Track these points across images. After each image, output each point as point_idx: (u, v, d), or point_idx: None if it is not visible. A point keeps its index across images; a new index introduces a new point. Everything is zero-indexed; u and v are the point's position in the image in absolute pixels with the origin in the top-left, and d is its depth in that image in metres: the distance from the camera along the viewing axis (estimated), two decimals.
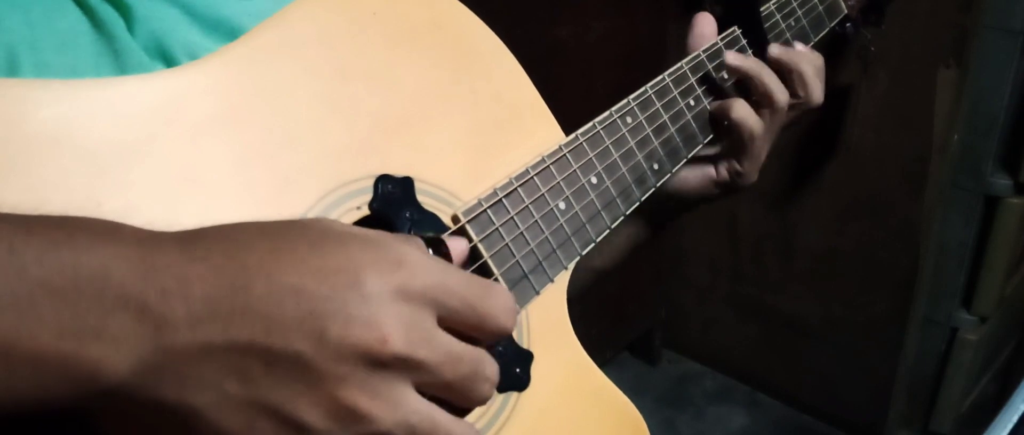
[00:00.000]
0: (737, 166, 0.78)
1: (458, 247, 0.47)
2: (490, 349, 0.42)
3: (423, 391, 0.40)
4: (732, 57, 0.76)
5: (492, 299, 0.42)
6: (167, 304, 0.36)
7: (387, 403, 0.38)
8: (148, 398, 0.37)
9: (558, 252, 0.61)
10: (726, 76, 0.77)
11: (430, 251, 0.43)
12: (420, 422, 0.39)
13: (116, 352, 0.35)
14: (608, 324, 2.07)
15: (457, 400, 0.41)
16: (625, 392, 0.64)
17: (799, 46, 0.81)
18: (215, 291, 0.37)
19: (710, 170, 0.80)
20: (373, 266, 0.39)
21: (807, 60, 0.79)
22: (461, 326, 0.41)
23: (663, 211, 0.82)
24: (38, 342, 0.34)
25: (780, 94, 0.76)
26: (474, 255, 0.56)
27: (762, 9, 0.82)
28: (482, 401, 0.42)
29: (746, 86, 0.77)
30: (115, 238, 0.37)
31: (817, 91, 0.80)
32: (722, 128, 0.77)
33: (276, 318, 0.37)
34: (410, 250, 0.40)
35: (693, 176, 0.80)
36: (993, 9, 1.52)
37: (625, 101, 0.68)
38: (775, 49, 0.79)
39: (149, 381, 0.36)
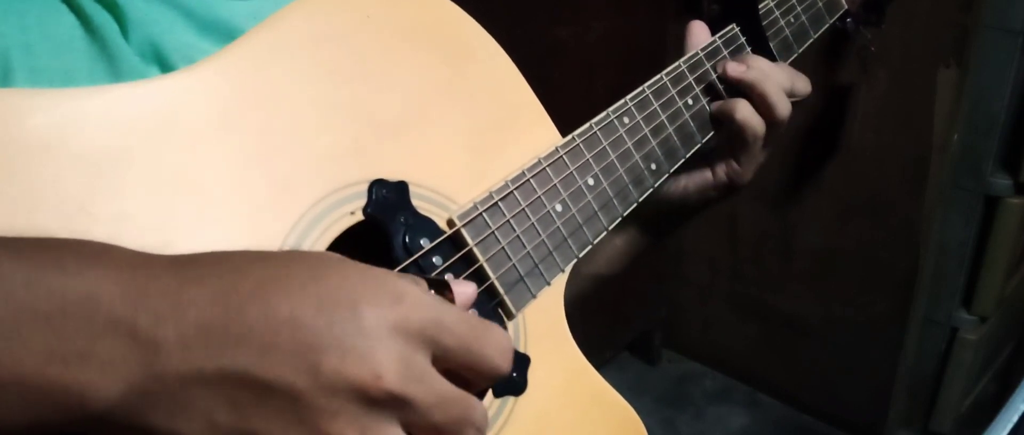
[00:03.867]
0: (735, 166, 0.78)
1: (464, 292, 0.46)
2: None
3: (411, 431, 0.39)
4: (732, 68, 0.75)
5: (488, 340, 0.41)
6: (159, 328, 0.35)
7: None
8: (137, 423, 0.36)
9: (555, 255, 0.60)
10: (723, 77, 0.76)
11: (432, 292, 0.42)
12: None
13: (105, 377, 0.35)
14: (608, 324, 2.06)
15: None
16: (625, 392, 0.63)
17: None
18: (209, 316, 0.36)
19: (707, 173, 0.79)
20: (372, 299, 0.38)
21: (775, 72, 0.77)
22: (455, 366, 0.40)
23: (664, 219, 0.81)
24: (23, 368, 0.34)
25: (783, 107, 0.75)
26: (469, 259, 0.55)
27: (761, 6, 0.81)
28: None
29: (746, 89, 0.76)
30: (105, 261, 0.36)
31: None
32: (724, 129, 0.76)
33: (270, 348, 0.36)
34: (409, 285, 0.40)
35: (692, 181, 0.79)
36: (993, 9, 1.51)
37: (622, 101, 0.68)
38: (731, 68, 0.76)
39: (138, 407, 0.36)
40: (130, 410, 0.36)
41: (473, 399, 0.41)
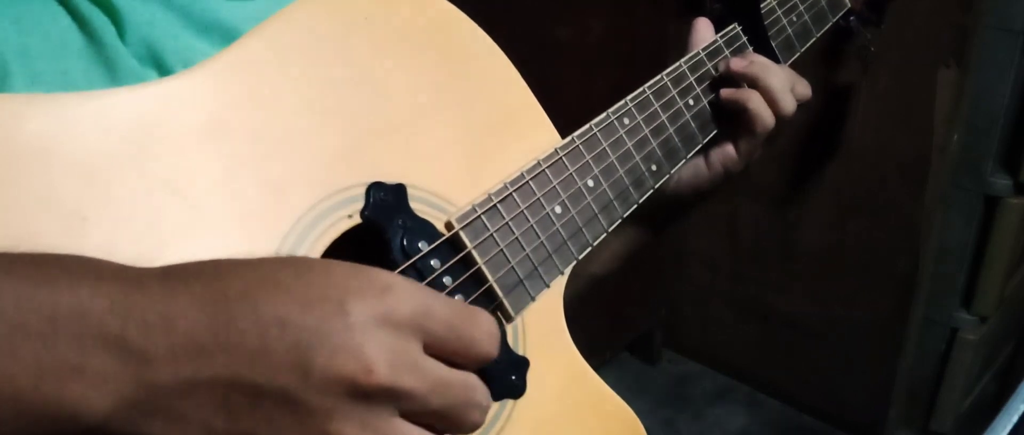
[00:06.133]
0: (732, 154, 0.77)
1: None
2: (480, 373, 0.42)
3: (413, 419, 0.39)
4: (735, 63, 0.75)
5: (476, 324, 0.41)
6: (149, 340, 0.35)
7: (375, 434, 0.37)
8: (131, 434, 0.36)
9: (554, 257, 0.60)
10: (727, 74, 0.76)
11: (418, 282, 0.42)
12: None
13: (97, 391, 0.35)
14: (608, 324, 2.06)
15: (448, 427, 0.41)
16: (625, 392, 0.63)
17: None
18: (198, 325, 0.36)
19: (700, 162, 0.79)
20: (358, 293, 0.38)
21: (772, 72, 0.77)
22: (445, 352, 0.40)
23: (658, 215, 0.81)
24: (17, 385, 0.34)
25: (787, 103, 0.75)
26: (468, 262, 0.55)
27: (763, 5, 0.81)
28: (474, 428, 0.41)
29: (752, 85, 0.76)
30: (94, 276, 0.36)
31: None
32: (732, 117, 0.76)
33: (260, 352, 0.36)
34: (396, 277, 0.40)
35: (684, 170, 0.79)
36: (993, 9, 1.51)
37: (622, 102, 0.67)
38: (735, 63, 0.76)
39: (132, 418, 0.36)
40: (124, 421, 0.36)
41: (473, 378, 0.41)
